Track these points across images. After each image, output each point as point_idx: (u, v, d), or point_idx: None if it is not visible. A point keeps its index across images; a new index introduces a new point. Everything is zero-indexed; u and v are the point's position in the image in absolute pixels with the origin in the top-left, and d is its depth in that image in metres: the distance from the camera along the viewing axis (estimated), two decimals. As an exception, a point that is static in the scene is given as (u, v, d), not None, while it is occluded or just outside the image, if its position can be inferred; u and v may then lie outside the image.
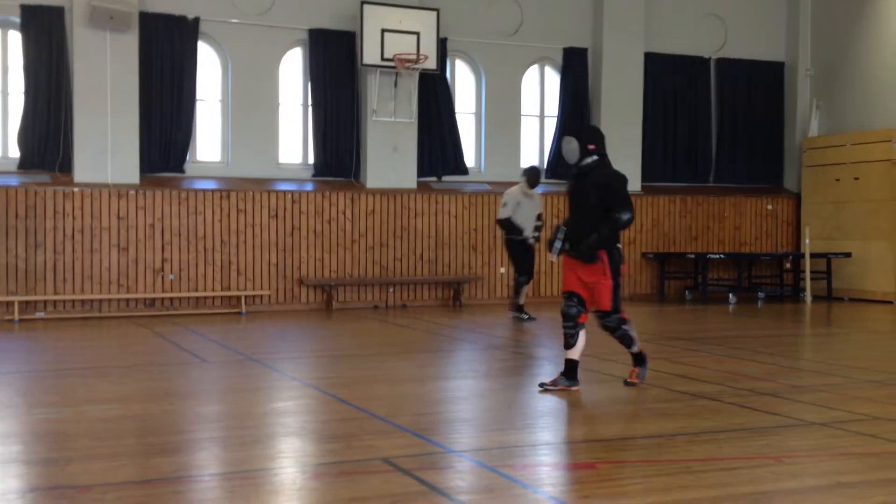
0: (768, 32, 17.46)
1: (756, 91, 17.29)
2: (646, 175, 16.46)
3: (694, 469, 4.86)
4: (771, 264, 16.97)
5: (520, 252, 12.09)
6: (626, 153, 16.15)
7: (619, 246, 7.05)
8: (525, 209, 11.97)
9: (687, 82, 16.83)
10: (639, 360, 7.34)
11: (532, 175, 12.13)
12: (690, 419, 6.12)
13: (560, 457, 5.34)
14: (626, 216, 6.84)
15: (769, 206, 17.30)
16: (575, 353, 7.10)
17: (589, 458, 5.14)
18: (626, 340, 7.20)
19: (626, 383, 7.27)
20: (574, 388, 7.04)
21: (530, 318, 12.05)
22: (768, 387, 7.32)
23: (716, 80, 17.09)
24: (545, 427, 6.12)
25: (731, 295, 15.52)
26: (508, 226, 11.98)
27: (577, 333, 7.06)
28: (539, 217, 12.20)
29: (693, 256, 15.92)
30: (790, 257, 16.69)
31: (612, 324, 7.09)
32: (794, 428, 5.91)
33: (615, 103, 16.09)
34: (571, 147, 7.17)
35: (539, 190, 12.40)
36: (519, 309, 12.16)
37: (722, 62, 17.07)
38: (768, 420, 6.22)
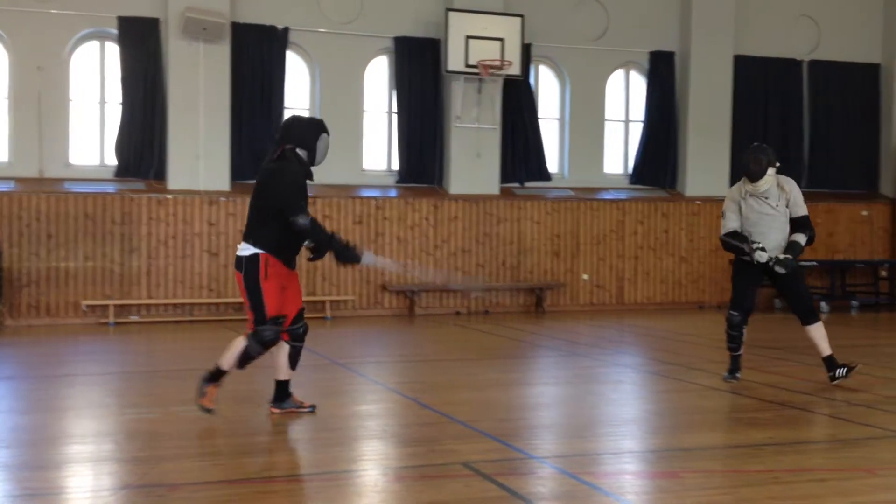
0: (863, 33, 16.89)
1: (850, 94, 16.74)
2: (735, 181, 16.07)
3: (782, 480, 4.74)
4: (865, 272, 16.40)
5: (740, 274, 7.72)
6: (714, 159, 15.88)
7: (264, 254, 6.07)
8: (757, 215, 7.53)
9: (778, 85, 16.40)
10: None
11: (747, 163, 7.63)
12: (779, 429, 5.96)
13: (643, 465, 5.26)
14: (300, 220, 5.95)
15: (864, 212, 16.73)
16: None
17: (673, 468, 5.05)
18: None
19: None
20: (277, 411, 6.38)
21: (732, 377, 7.69)
22: (862, 398, 7.08)
23: (808, 82, 16.61)
24: (628, 435, 6.05)
25: (823, 303, 15.04)
26: (728, 245, 7.62)
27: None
28: (801, 223, 7.51)
29: (784, 264, 15.47)
30: (886, 265, 16.11)
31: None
32: (887, 440, 5.70)
33: (703, 107, 15.79)
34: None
35: (767, 179, 7.51)
36: (732, 368, 7.73)
37: (815, 64, 16.58)
38: (861, 431, 6.01)
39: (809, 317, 7.52)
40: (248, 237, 6.16)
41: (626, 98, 16.13)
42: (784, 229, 7.49)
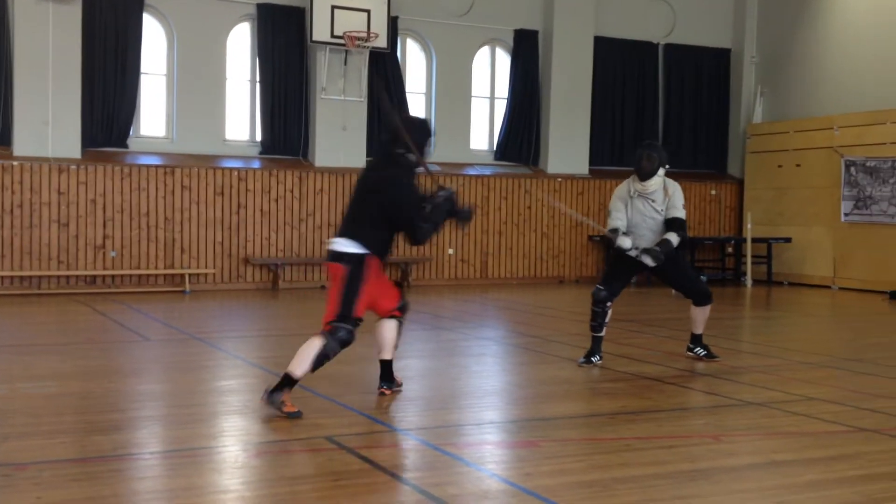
0: (715, 19, 17.65)
1: (702, 77, 17.49)
2: (593, 159, 16.57)
3: (634, 447, 4.94)
4: (713, 248, 17.24)
5: (618, 261, 7.64)
6: (574, 137, 16.28)
7: (370, 255, 5.82)
8: (640, 216, 7.48)
9: (635, 67, 16.95)
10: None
11: (638, 159, 7.53)
12: (632, 398, 6.21)
13: (504, 435, 5.38)
14: (421, 236, 5.84)
15: (713, 192, 17.55)
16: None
17: (532, 437, 5.19)
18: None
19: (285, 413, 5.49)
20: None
21: (588, 361, 7.44)
22: (708, 368, 7.45)
23: (663, 65, 17.24)
24: (489, 406, 6.17)
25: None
26: (610, 239, 7.50)
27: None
28: (675, 224, 7.48)
29: (638, 240, 16.07)
30: (732, 242, 16.97)
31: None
32: (731, 408, 6.03)
33: (565, 86, 16.14)
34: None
35: (656, 181, 7.57)
36: (590, 351, 7.49)
37: (670, 48, 17.21)
38: (707, 400, 6.34)
39: (702, 300, 7.60)
40: (355, 235, 5.80)
41: (491, 75, 16.30)
42: (662, 233, 7.43)
